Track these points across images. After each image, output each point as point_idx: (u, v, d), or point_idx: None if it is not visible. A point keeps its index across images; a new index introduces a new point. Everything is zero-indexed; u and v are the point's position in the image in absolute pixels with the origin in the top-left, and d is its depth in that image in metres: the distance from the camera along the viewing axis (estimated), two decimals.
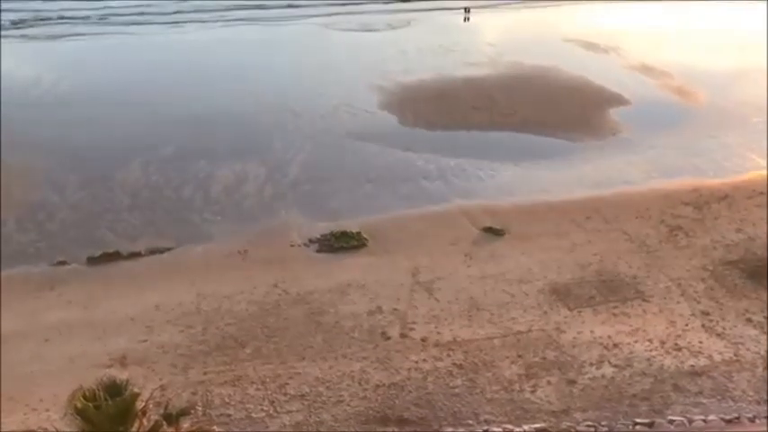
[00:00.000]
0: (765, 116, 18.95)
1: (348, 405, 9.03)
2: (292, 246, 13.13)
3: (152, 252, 13.02)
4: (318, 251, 13.01)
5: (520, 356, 9.85)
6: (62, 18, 29.40)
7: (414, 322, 10.66)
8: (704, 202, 14.19)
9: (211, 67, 23.74)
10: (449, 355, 9.91)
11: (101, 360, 9.82)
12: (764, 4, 32.53)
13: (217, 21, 29.77)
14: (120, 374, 7.87)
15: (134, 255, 12.93)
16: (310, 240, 13.25)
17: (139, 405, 6.48)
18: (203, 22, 29.58)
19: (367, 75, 22.40)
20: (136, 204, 14.71)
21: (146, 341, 10.34)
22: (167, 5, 31.11)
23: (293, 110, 19.64)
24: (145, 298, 11.39)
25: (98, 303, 11.29)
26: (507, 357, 9.84)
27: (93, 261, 12.73)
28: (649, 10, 31.61)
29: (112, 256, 12.84)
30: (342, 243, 13.07)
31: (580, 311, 10.84)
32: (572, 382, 9.34)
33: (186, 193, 15.20)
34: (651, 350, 9.91)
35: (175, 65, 23.90)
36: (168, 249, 13.15)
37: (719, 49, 25.34)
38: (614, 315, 10.73)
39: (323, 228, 13.48)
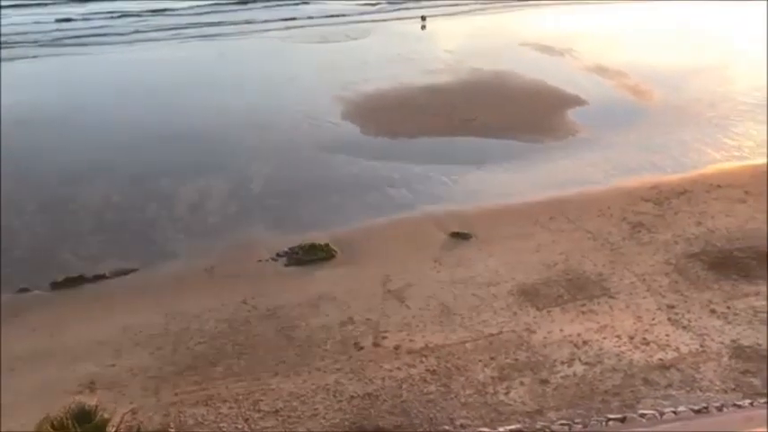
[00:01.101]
0: (718, 111, 19.47)
1: (323, 418, 8.99)
2: (260, 261, 13.06)
3: (117, 274, 12.81)
4: (287, 265, 12.95)
5: (492, 359, 9.92)
6: (16, 42, 28.90)
7: (386, 331, 10.67)
8: (664, 198, 14.46)
9: (171, 84, 23.58)
10: (422, 362, 9.94)
11: (69, 387, 9.61)
12: (710, 3, 33.52)
13: (175, 38, 29.57)
14: (90, 400, 7.72)
15: (99, 277, 12.70)
16: (278, 254, 13.18)
17: (110, 430, 6.37)
18: (162, 40, 29.34)
19: (328, 86, 22.43)
20: (99, 226, 14.48)
21: (114, 365, 10.17)
22: (125, 26, 30.81)
23: (256, 124, 19.56)
24: (112, 321, 11.20)
25: (64, 329, 11.07)
26: (480, 360, 9.90)
27: (56, 286, 12.47)
28: (601, 12, 32.21)
29: (76, 280, 12.59)
30: (310, 256, 13.02)
31: (549, 311, 10.96)
32: (545, 382, 9.43)
33: (150, 213, 15.02)
34: (620, 346, 10.06)
35: (135, 84, 23.62)
36: (134, 270, 12.96)
37: (671, 48, 25.96)
38: (582, 313, 10.87)
39: (291, 241, 13.41)
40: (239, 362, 10.17)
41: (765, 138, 17.54)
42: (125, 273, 12.87)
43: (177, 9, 33.00)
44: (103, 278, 12.71)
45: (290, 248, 13.27)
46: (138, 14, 32.24)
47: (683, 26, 29.20)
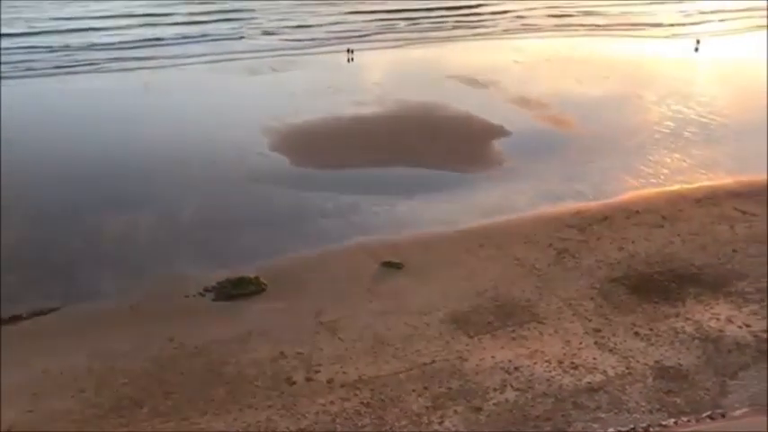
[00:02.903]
0: (635, 140, 20.33)
1: None
2: (187, 296, 12.73)
3: (36, 314, 12.21)
4: (215, 300, 12.67)
5: (426, 388, 9.93)
6: None
7: (319, 364, 10.54)
8: (587, 224, 14.93)
9: (94, 117, 22.92)
10: (356, 395, 9.86)
11: None
12: (627, 38, 35.23)
13: (99, 71, 28.86)
14: None
15: (15, 318, 12.08)
16: (206, 289, 12.88)
17: None
18: (83, 73, 28.58)
19: (256, 117, 22.27)
20: (16, 265, 13.82)
21: (32, 411, 9.67)
22: (48, 60, 29.95)
23: (183, 156, 19.21)
24: (30, 364, 10.67)
25: None
26: (414, 391, 9.89)
27: None
28: (523, 46, 33.30)
29: None
30: (240, 290, 12.78)
31: (480, 338, 11.08)
32: (478, 410, 9.49)
33: (71, 249, 14.47)
34: (550, 370, 10.24)
35: (55, 116, 22.89)
36: (54, 310, 12.41)
37: (589, 80, 27.03)
38: (513, 339, 11.03)
39: (219, 275, 13.14)
40: (166, 402, 9.84)
41: (678, 165, 18.42)
42: (44, 312, 12.31)
43: (104, 44, 32.37)
44: (20, 319, 12.11)
45: (218, 283, 12.99)
46: (62, 48, 31.43)
47: (599, 59, 30.49)
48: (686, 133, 20.89)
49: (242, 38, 34.53)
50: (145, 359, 10.78)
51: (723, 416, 9.11)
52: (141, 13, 38.48)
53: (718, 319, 11.30)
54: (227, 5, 40.75)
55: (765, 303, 11.72)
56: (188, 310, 12.29)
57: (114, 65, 29.36)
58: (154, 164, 18.70)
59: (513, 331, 11.19)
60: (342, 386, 10.01)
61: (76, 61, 29.67)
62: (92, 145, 20.12)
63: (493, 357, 10.52)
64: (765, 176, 17.06)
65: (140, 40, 32.93)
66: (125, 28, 35.32)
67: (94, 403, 9.82)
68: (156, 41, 33.04)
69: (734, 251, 13.49)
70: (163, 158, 19.04)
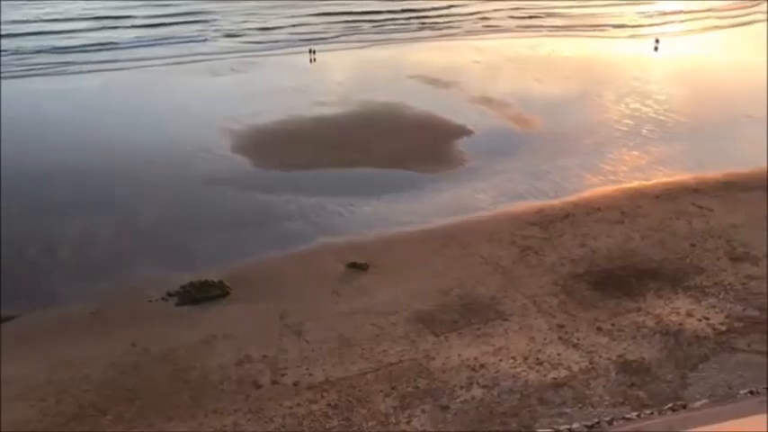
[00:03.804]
0: (595, 139, 20.65)
1: None
2: (150, 301, 12.55)
3: None
4: (179, 304, 12.51)
5: (393, 388, 9.94)
6: None
7: (285, 367, 10.48)
8: (549, 222, 15.10)
9: (49, 120, 22.46)
10: (323, 397, 9.82)
11: None
12: (588, 39, 35.76)
13: (58, 74, 28.29)
14: None
15: None
16: (169, 294, 12.70)
17: None
18: (41, 76, 27.98)
19: (217, 119, 22.06)
20: None
21: None
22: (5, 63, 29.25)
23: (144, 159, 18.93)
24: None
25: None
26: (381, 391, 9.89)
27: None
28: (484, 46, 33.56)
29: None
30: (203, 293, 12.62)
31: (446, 337, 11.13)
32: (445, 408, 9.53)
33: (30, 256, 14.15)
34: (515, 367, 10.33)
35: (8, 120, 22.34)
36: (12, 318, 12.13)
37: (551, 79, 27.36)
38: (478, 337, 11.11)
39: (182, 279, 12.96)
40: (130, 408, 9.68)
41: (637, 162, 18.77)
42: (2, 320, 11.99)
43: (59, 47, 31.70)
44: None
45: (181, 287, 12.81)
46: (13, 52, 30.68)
47: (561, 59, 30.88)
48: (644, 131, 21.28)
49: (204, 40, 34.19)
50: (107, 366, 10.59)
51: (684, 407, 9.29)
52: (100, 15, 37.88)
53: (678, 313, 11.53)
54: (189, 8, 40.35)
55: (723, 297, 11.98)
56: (151, 315, 12.11)
57: (71, 68, 28.82)
58: (113, 166, 18.37)
59: (479, 329, 11.26)
60: (308, 388, 9.97)
61: (29, 65, 29.05)
62: (48, 149, 19.72)
63: (459, 355, 10.58)
64: (721, 172, 17.48)
65: (98, 44, 32.39)
66: (83, 31, 34.72)
67: (56, 412, 9.61)
68: (115, 45, 32.54)
69: (692, 246, 13.78)
70: (123, 161, 18.72)
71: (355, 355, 10.72)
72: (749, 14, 41.15)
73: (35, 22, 36.08)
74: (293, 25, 37.24)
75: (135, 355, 10.89)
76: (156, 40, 33.68)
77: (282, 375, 10.29)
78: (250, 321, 11.71)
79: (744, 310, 11.54)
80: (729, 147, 19.95)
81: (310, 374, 10.27)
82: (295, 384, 10.07)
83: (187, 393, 9.96)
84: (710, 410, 9.21)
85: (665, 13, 42.06)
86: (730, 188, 16.57)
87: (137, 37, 34.00)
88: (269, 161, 19.06)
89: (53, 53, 30.64)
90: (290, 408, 9.58)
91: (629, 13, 41.80)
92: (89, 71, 28.30)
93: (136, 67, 29.06)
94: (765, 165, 17.72)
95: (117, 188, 17.16)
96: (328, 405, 9.63)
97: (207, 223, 15.59)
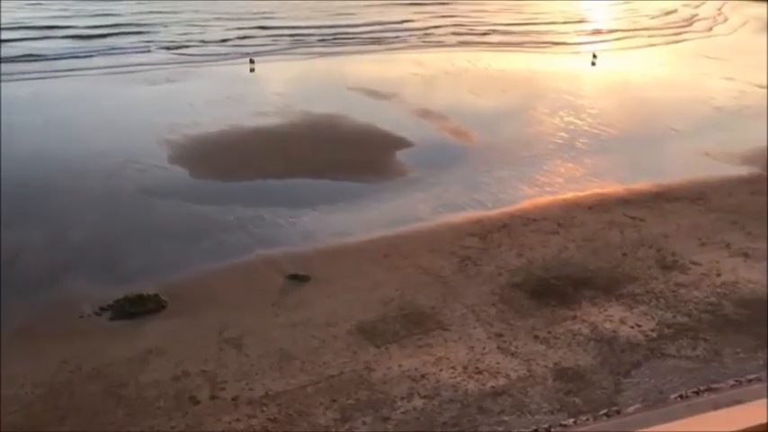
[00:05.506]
0: (531, 151, 21.09)
1: None
2: (82, 317, 12.12)
3: None
4: (112, 319, 12.12)
5: (334, 401, 9.87)
6: None
7: (224, 381, 10.28)
8: (487, 232, 15.32)
9: None
10: (263, 411, 9.67)
11: None
12: (526, 54, 36.60)
13: None
14: None
15: None
16: (102, 308, 12.30)
17: None
18: None
19: (153, 129, 21.64)
20: None
21: None
22: None
23: (74, 170, 18.37)
24: None
25: None
26: (322, 404, 9.81)
27: None
28: (423, 60, 33.96)
29: None
30: (138, 308, 12.26)
31: (387, 347, 11.12)
32: (386, 419, 9.51)
33: None
34: (456, 377, 10.40)
35: None
36: None
37: (488, 92, 27.88)
38: (419, 347, 11.14)
39: (116, 294, 12.57)
40: (62, 428, 9.31)
41: (572, 174, 19.26)
42: None
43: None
44: None
45: (115, 301, 12.42)
46: None
47: (498, 74, 31.49)
48: (578, 144, 21.88)
49: (144, 51, 33.55)
50: (36, 384, 10.17)
51: (618, 413, 9.53)
52: (38, 25, 36.78)
53: (611, 321, 11.83)
54: (130, 19, 39.58)
55: (654, 304, 12.37)
56: (83, 331, 11.70)
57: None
58: (44, 178, 17.78)
59: (420, 339, 11.30)
60: (248, 403, 9.80)
61: None
62: None
63: (400, 366, 10.59)
64: (650, 183, 18.10)
65: (31, 54, 31.36)
66: (16, 41, 33.57)
67: None
68: (47, 55, 31.58)
69: (624, 255, 14.19)
70: (54, 172, 18.14)
71: (296, 368, 10.61)
72: (682, 33, 43.30)
73: None
74: (238, 38, 36.98)
75: (66, 372, 10.49)
76: (94, 50, 32.91)
77: (221, 390, 10.09)
78: (187, 335, 11.45)
79: (674, 317, 11.94)
80: (657, 159, 20.71)
81: (250, 389, 10.11)
82: (234, 399, 9.89)
83: (121, 411, 9.66)
84: (643, 415, 9.48)
85: (604, 32, 43.71)
86: (658, 198, 17.16)
87: (74, 47, 33.13)
88: (207, 172, 18.77)
89: None
90: (229, 423, 9.40)
91: (570, 32, 43.12)
92: (19, 80, 27.35)
93: (72, 77, 28.27)
94: (689, 176, 18.49)
95: (46, 201, 16.59)
96: (268, 419, 9.48)
97: (142, 236, 15.21)
